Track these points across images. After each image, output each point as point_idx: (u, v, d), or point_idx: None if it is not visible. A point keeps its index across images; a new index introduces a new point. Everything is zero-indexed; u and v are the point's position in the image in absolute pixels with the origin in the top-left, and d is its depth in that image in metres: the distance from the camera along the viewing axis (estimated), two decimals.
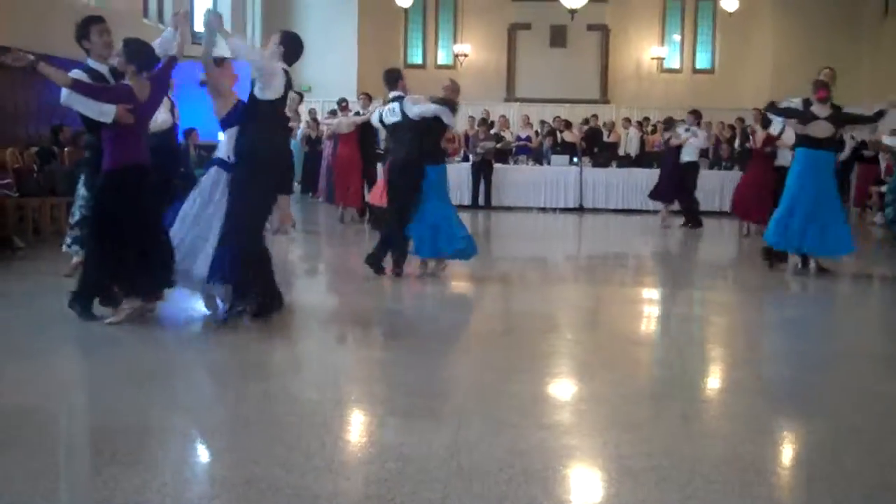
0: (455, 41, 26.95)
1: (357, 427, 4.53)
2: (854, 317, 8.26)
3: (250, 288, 6.55)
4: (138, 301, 6.48)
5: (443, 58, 27.34)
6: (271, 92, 6.62)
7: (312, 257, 11.59)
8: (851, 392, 5.27)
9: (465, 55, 26.47)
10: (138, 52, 6.40)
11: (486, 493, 3.59)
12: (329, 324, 7.08)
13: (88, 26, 6.56)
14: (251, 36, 24.58)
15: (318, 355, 6.12)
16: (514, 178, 17.83)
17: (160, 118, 7.98)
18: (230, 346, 6.08)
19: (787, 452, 4.32)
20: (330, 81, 22.02)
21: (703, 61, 27.22)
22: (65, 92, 6.18)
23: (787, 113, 9.84)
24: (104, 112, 6.19)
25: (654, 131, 21.10)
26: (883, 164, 17.58)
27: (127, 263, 6.32)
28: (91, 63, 6.58)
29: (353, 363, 5.89)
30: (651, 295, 9.11)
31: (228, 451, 4.08)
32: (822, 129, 9.42)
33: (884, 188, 16.45)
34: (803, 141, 9.52)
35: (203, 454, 4.14)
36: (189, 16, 7.13)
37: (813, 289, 9.35)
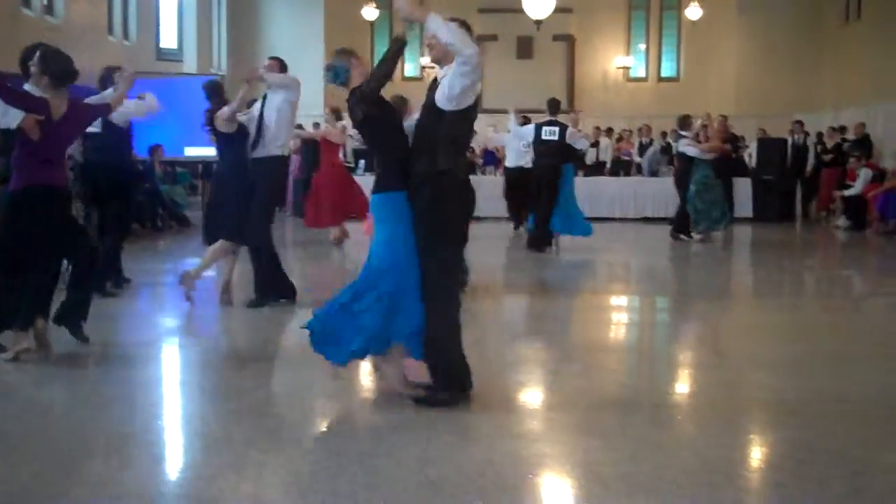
0: (422, 53, 26.97)
1: (325, 440, 4.52)
2: (824, 319, 8.33)
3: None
4: (18, 333, 5.82)
5: (410, 70, 27.38)
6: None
7: None
8: (820, 396, 5.31)
9: (433, 67, 26.45)
10: (53, 61, 5.88)
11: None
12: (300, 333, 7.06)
13: (35, 52, 6.07)
14: (216, 49, 24.55)
15: (287, 367, 6.10)
16: (484, 190, 17.83)
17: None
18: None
19: (755, 456, 4.35)
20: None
21: (668, 70, 27.46)
22: None
23: None
24: (8, 115, 5.77)
25: (619, 139, 21.29)
26: (846, 169, 17.80)
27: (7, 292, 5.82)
28: (27, 86, 6.06)
29: (320, 376, 5.85)
30: (619, 302, 9.16)
31: (194, 468, 4.06)
32: None
33: (847, 192, 16.70)
34: None
35: (164, 471, 4.12)
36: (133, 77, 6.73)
37: (786, 289, 9.42)
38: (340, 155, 13.90)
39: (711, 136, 13.99)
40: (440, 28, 4.70)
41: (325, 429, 4.75)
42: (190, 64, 22.53)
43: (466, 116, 4.89)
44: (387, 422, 4.69)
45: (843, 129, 18.75)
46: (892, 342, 7.14)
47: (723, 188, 14.11)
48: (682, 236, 14.04)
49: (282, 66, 8.01)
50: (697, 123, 14.45)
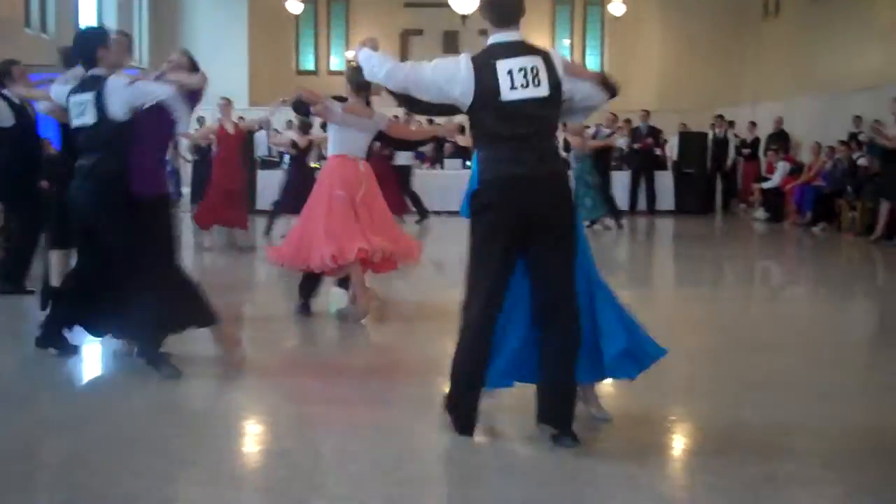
0: (347, 47, 26.91)
1: (244, 436, 4.50)
2: (743, 308, 8.50)
3: None
4: None
5: (335, 64, 27.27)
6: None
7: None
8: (737, 384, 5.42)
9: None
10: None
11: (371, 498, 3.61)
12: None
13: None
14: (138, 42, 24.14)
15: (207, 367, 6.04)
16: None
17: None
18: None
19: (673, 443, 4.43)
20: (219, 88, 21.72)
21: (592, 64, 27.69)
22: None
23: None
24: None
25: None
26: (764, 162, 18.19)
27: None
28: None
29: (243, 374, 5.80)
30: None
31: (107, 465, 4.01)
32: None
33: (765, 185, 17.09)
34: None
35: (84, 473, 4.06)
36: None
37: (705, 279, 9.59)
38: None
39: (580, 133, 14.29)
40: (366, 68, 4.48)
41: (247, 425, 4.70)
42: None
43: None
44: (307, 417, 4.68)
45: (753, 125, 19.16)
46: (808, 330, 7.32)
47: (600, 181, 14.40)
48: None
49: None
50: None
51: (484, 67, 4.09)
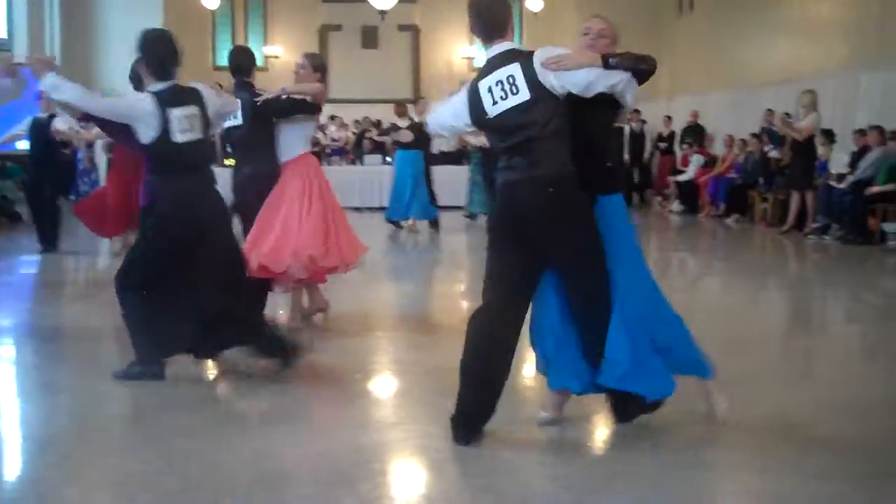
0: (265, 43, 26.64)
1: (158, 436, 4.42)
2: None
3: None
4: None
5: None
6: None
7: None
8: None
9: (277, 57, 26.19)
10: None
11: (289, 498, 3.59)
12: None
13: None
14: (49, 38, 23.58)
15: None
16: (329, 179, 17.73)
17: None
18: None
19: (579, 437, 4.48)
20: (131, 89, 21.35)
21: None
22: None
23: None
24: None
25: None
26: (679, 155, 18.50)
27: None
28: None
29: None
30: (467, 287, 9.25)
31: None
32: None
33: (680, 178, 17.40)
34: None
35: None
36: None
37: None
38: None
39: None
40: None
41: (153, 425, 4.61)
42: (21, 54, 21.53)
43: None
44: (223, 416, 4.64)
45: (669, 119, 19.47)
46: (722, 320, 7.47)
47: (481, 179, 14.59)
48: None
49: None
50: None
51: (472, 92, 4.24)
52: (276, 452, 4.07)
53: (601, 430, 4.48)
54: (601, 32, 4.37)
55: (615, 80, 4.10)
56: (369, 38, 26.34)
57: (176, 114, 5.05)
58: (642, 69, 4.17)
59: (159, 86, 5.13)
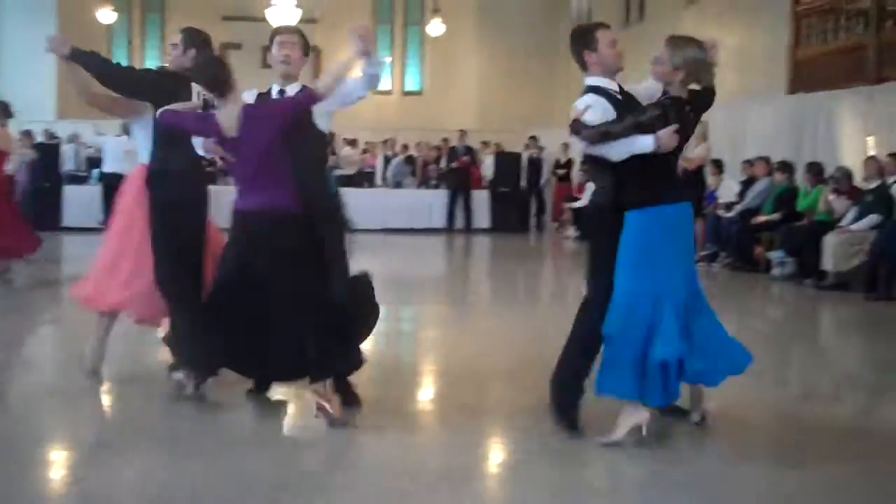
0: (163, 59, 26.19)
1: (35, 462, 4.29)
2: (553, 321, 8.72)
3: None
4: None
5: None
6: None
7: None
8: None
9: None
10: None
11: None
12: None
13: None
14: None
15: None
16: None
17: None
18: None
19: (482, 455, 4.50)
20: (27, 102, 20.79)
21: (412, 83, 28.03)
22: None
23: None
24: None
25: (365, 151, 21.50)
26: (575, 182, 18.81)
27: None
28: None
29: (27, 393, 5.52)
30: None
31: None
32: None
33: (574, 204, 17.69)
34: None
35: None
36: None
37: (520, 295, 9.79)
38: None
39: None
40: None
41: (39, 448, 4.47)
42: None
43: None
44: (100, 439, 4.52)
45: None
46: None
47: None
48: None
49: None
50: None
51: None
52: (156, 478, 3.97)
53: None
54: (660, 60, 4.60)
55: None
56: None
57: None
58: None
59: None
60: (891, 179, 10.53)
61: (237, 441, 4.55)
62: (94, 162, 17.27)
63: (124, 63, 5.71)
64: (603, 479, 4.24)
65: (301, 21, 21.98)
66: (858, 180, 11.12)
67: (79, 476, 4.06)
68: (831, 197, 11.12)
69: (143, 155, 5.48)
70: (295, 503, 3.76)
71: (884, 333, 8.43)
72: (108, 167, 15.22)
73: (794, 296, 10.51)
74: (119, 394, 5.52)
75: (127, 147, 12.69)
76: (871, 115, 12.04)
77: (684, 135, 4.45)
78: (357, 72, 5.06)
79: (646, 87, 4.74)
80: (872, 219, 10.32)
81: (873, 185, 10.62)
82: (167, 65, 5.59)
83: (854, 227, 10.48)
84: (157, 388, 5.31)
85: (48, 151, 16.57)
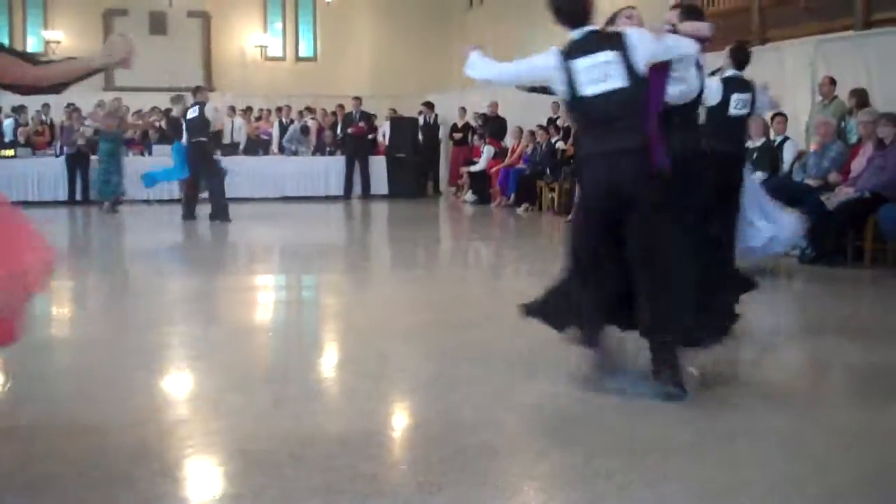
0: (45, 27, 25.29)
1: None
2: (452, 288, 8.77)
3: None
4: None
5: (33, 44, 25.53)
6: None
7: None
8: (446, 360, 5.58)
9: (58, 42, 24.90)
10: None
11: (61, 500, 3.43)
12: None
13: None
14: None
15: None
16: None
17: None
18: None
19: (385, 427, 4.49)
20: None
21: (306, 49, 27.65)
22: None
23: None
24: None
25: (258, 119, 21.21)
26: (472, 146, 18.87)
27: None
28: None
29: None
30: (263, 282, 9.10)
31: None
32: None
33: (472, 168, 17.77)
34: None
35: None
36: None
37: (418, 261, 9.78)
38: None
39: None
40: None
41: None
42: None
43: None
44: None
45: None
46: (509, 306, 7.63)
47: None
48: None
49: None
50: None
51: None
52: (46, 454, 3.87)
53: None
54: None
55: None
56: (157, 23, 25.45)
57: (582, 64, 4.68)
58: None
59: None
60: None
61: None
62: None
63: None
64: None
65: None
66: None
67: None
68: None
69: None
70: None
71: None
72: None
73: None
74: None
75: None
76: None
77: None
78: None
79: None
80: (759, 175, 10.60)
81: (758, 143, 10.90)
82: None
83: None
84: None
85: None
